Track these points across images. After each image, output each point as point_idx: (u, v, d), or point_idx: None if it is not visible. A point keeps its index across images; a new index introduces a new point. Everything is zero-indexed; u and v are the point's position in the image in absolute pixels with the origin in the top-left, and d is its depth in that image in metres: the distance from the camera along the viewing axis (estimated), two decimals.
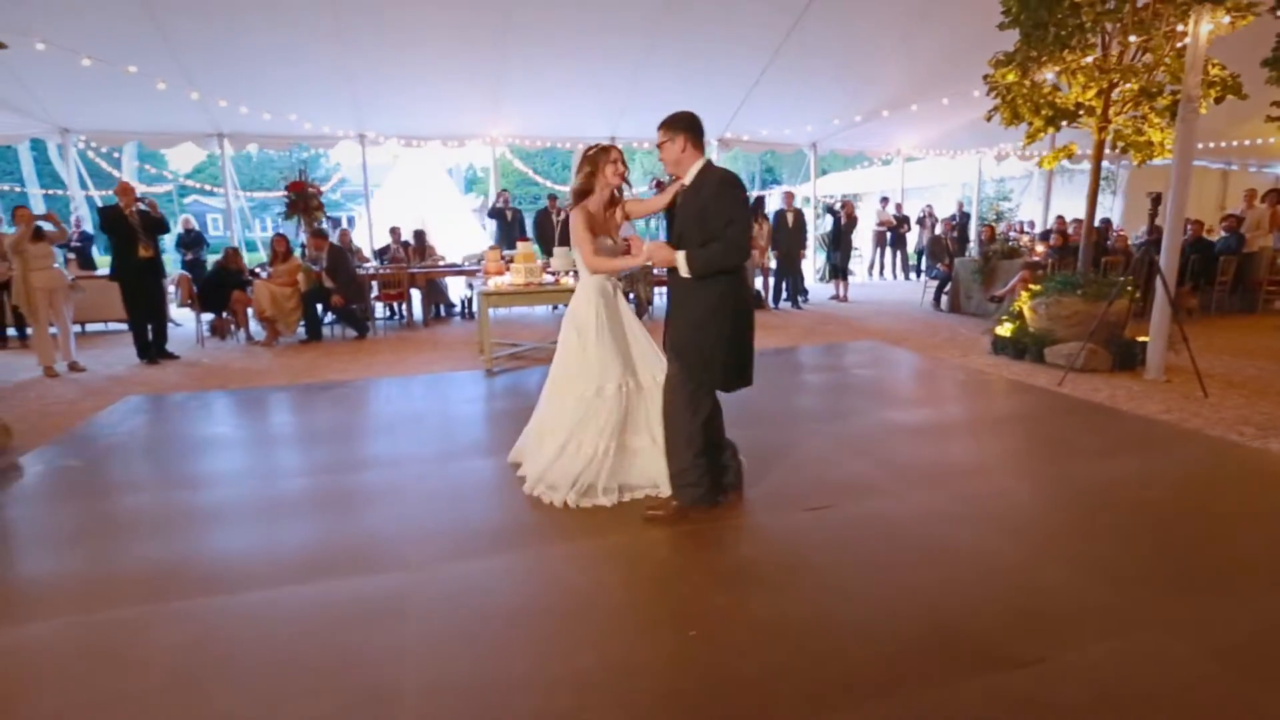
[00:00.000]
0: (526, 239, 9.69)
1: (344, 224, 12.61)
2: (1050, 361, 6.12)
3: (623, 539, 2.99)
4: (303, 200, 8.29)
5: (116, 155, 14.88)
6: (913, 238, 14.07)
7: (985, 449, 4.19)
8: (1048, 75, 5.85)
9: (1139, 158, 6.00)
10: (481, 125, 11.53)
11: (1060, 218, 10.07)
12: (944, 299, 9.64)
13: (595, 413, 3.31)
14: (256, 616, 2.43)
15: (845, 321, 8.89)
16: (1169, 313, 5.53)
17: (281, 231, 8.14)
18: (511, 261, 6.73)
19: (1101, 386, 5.46)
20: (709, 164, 3.00)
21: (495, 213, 10.26)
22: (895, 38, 10.47)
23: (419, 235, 9.49)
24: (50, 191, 17.78)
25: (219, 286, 7.80)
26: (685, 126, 2.97)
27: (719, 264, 2.90)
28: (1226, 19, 5.07)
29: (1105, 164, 14.01)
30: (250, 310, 7.89)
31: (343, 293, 7.75)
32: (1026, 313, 6.54)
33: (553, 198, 10.11)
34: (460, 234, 12.40)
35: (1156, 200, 5.28)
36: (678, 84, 11.28)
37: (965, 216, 12.64)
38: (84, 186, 11.09)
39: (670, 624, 2.36)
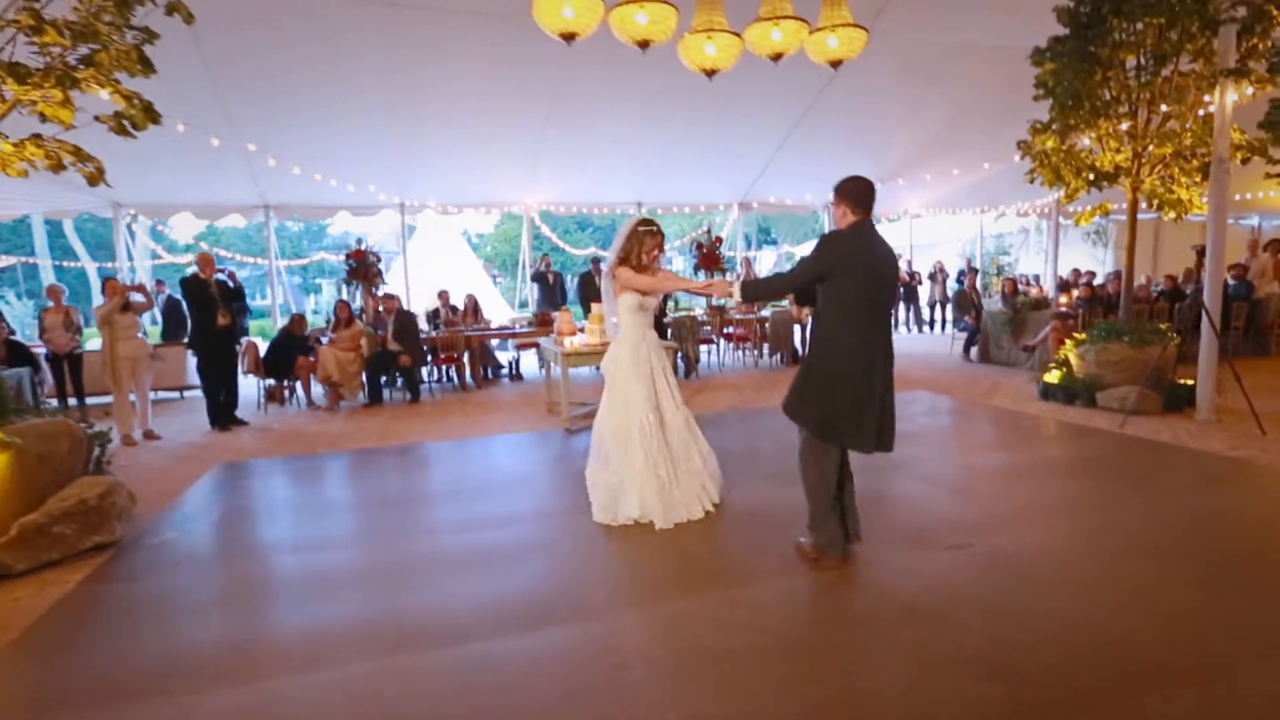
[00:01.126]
0: (561, 306, 10.06)
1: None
2: (1103, 405, 6.42)
3: (787, 582, 3.15)
4: (363, 268, 8.57)
5: (133, 226, 15.20)
6: (924, 291, 14.60)
7: (1077, 488, 4.42)
8: (1084, 141, 6.36)
9: (1172, 214, 6.47)
10: (517, 192, 12.03)
11: (1076, 270, 10.60)
12: (973, 350, 10.01)
13: (642, 443, 3.80)
14: (480, 667, 2.55)
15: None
16: (1216, 356, 5.88)
17: (344, 299, 8.39)
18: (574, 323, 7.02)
19: (1161, 428, 5.74)
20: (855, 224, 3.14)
21: (538, 276, 10.59)
22: (902, 111, 11.27)
23: (470, 299, 9.77)
24: (60, 263, 18.03)
25: (285, 352, 7.98)
26: (848, 195, 3.12)
27: (761, 291, 3.52)
28: (1250, 90, 5.61)
29: (1097, 219, 14.88)
30: (313, 375, 8.05)
31: (411, 354, 7.96)
32: (1073, 360, 6.88)
33: (596, 260, 10.48)
34: (481, 298, 12.77)
35: (1201, 253, 5.69)
36: (703, 155, 11.96)
37: (975, 271, 13.19)
38: (130, 258, 11.34)
39: (873, 658, 2.52)
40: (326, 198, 11.28)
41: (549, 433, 6.42)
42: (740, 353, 10.85)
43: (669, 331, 9.22)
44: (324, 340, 8.17)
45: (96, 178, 4.24)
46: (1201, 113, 6.14)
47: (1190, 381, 6.24)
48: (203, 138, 9.05)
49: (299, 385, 8.26)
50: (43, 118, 3.99)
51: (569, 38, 3.94)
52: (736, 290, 3.44)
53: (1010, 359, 9.35)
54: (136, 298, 6.46)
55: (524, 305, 14.16)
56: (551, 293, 10.57)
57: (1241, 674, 2.31)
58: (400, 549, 3.75)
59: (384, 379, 8.30)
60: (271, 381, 8.10)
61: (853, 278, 3.05)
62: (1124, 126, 6.13)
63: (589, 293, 10.19)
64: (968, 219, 15.54)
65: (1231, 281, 9.73)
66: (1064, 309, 8.74)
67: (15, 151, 3.89)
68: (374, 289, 8.69)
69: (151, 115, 4.03)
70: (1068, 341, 7.07)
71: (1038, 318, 8.98)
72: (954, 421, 6.43)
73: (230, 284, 7.01)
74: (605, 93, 9.79)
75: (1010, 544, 3.46)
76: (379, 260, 8.97)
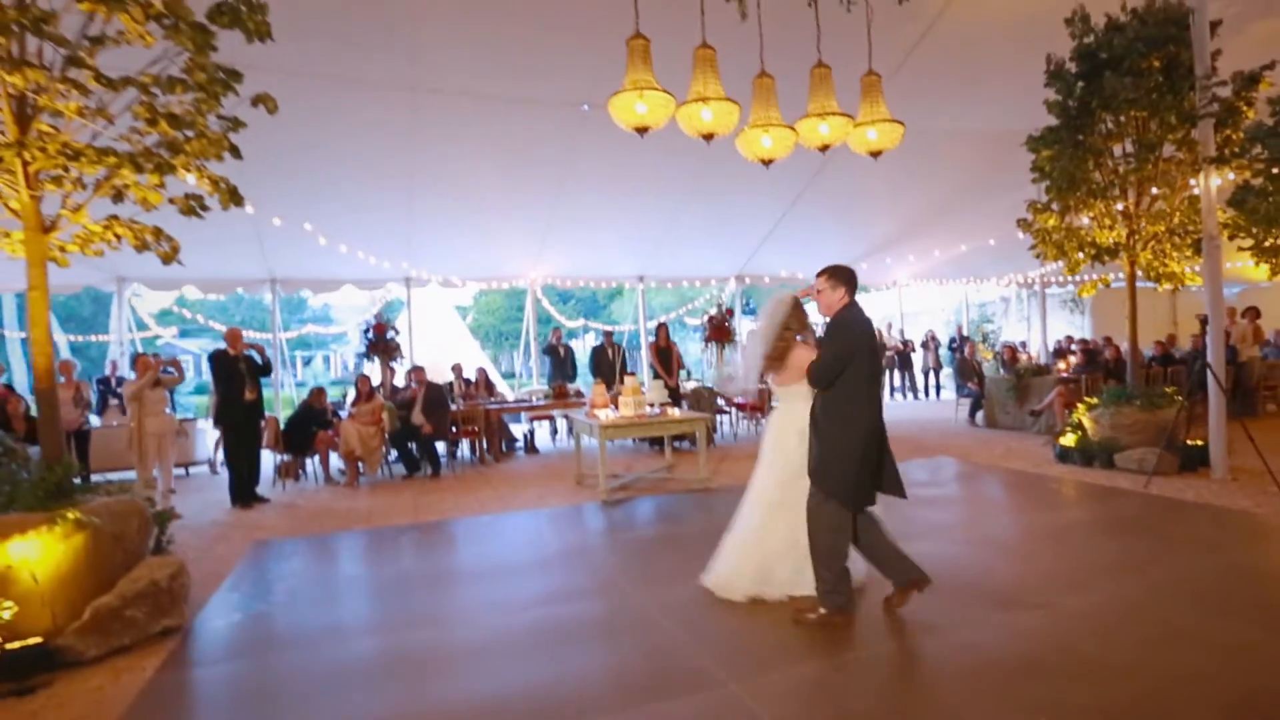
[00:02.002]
0: (573, 379, 10.20)
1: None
2: (1121, 466, 6.66)
3: (891, 646, 3.19)
4: (383, 342, 8.62)
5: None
6: (917, 359, 15.08)
7: (1125, 546, 4.54)
8: (1084, 219, 6.86)
9: (1168, 285, 6.94)
10: (522, 267, 12.31)
11: (1069, 337, 11.14)
12: (978, 415, 10.32)
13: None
14: None
15: (897, 440, 9.35)
16: (1225, 417, 6.21)
17: (364, 373, 8.38)
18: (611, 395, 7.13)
19: (1183, 487, 5.97)
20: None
21: (549, 349, 10.72)
22: (889, 192, 12.01)
23: (481, 372, 9.82)
24: (25, 335, 17.66)
25: (305, 426, 7.89)
26: (844, 280, 3.48)
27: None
28: (1232, 175, 6.17)
29: (1072, 287, 15.77)
30: (333, 451, 7.95)
31: (438, 426, 7.94)
32: (1087, 423, 7.16)
33: (609, 333, 10.68)
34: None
35: (1204, 321, 6.10)
36: (703, 231, 12.46)
37: (965, 339, 13.73)
38: (132, 329, 11.21)
39: (1016, 711, 2.56)
40: (332, 271, 11.40)
41: (585, 505, 6.40)
42: (751, 422, 10.99)
43: (684, 403, 9.36)
44: (343, 414, 8.11)
45: (171, 256, 4.31)
46: (1187, 194, 6.69)
47: (1200, 442, 6.55)
48: (215, 210, 9.18)
49: (316, 460, 8.13)
50: (117, 197, 4.10)
51: (642, 131, 4.22)
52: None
53: (1016, 423, 9.65)
54: (169, 372, 6.40)
55: (514, 377, 14.19)
56: (563, 365, 10.68)
57: None
58: (484, 625, 3.69)
59: (397, 453, 8.22)
60: (288, 456, 7.96)
61: (864, 355, 3.35)
62: (1119, 207, 6.65)
63: (602, 365, 10.36)
64: (953, 288, 16.25)
65: None
66: (1065, 374, 9.13)
67: (101, 232, 3.96)
68: (392, 362, 8.70)
69: (236, 198, 4.16)
70: (1080, 406, 7.37)
71: (1040, 383, 9.36)
72: (982, 485, 6.60)
73: (259, 359, 6.99)
74: (609, 172, 10.23)
75: (1085, 602, 3.56)
76: (398, 334, 9.02)
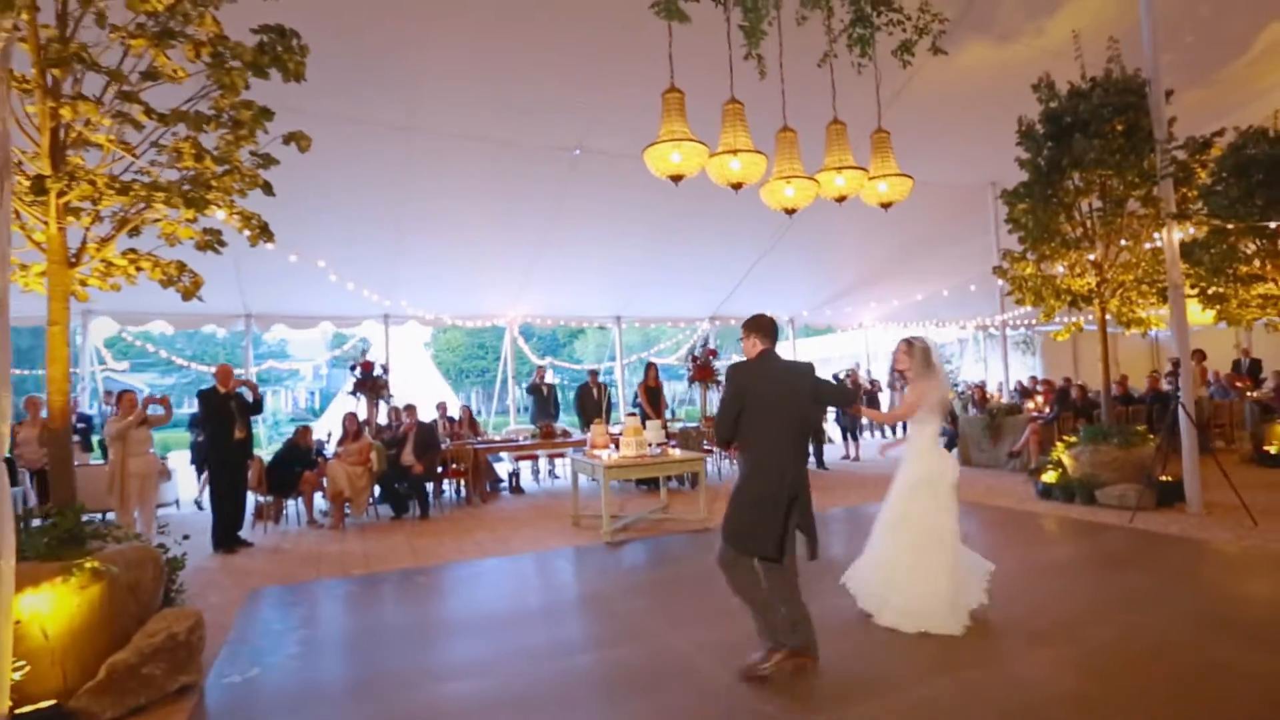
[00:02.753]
0: (555, 417, 10.17)
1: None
2: (1103, 503, 6.96)
3: (949, 683, 3.24)
4: (371, 380, 8.42)
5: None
6: (884, 398, 15.50)
7: (1129, 580, 4.72)
8: (1059, 268, 7.29)
9: (1136, 329, 7.40)
10: (504, 306, 12.27)
11: (1034, 378, 11.68)
12: (953, 453, 10.62)
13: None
14: None
15: (880, 479, 9.60)
16: (1197, 454, 6.59)
17: (353, 411, 8.15)
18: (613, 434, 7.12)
19: (1165, 522, 6.27)
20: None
21: (533, 388, 10.65)
22: (856, 240, 12.56)
23: (466, 410, 9.67)
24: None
25: (289, 466, 7.60)
26: (755, 328, 3.51)
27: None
28: (1192, 230, 6.68)
29: (1024, 329, 16.62)
30: (318, 492, 7.67)
31: (428, 466, 7.76)
32: (1067, 461, 7.48)
33: (594, 373, 10.66)
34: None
35: (1176, 364, 6.50)
36: (680, 275, 12.72)
37: None
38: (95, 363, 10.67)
39: None
40: (312, 308, 11.16)
41: (589, 546, 6.32)
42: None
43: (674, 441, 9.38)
44: (328, 454, 7.85)
45: (192, 291, 4.20)
46: (1151, 246, 7.19)
47: (1170, 478, 6.91)
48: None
49: (299, 501, 7.82)
50: (133, 231, 3.98)
51: (676, 179, 4.35)
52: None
53: (991, 461, 10.00)
54: (156, 410, 6.12)
55: (480, 415, 13.95)
56: (546, 404, 10.61)
57: None
58: (525, 674, 3.58)
59: (383, 494, 7.99)
60: (268, 498, 7.62)
61: (754, 403, 3.30)
62: (1091, 257, 7.10)
63: (587, 405, 10.33)
64: (914, 330, 16.91)
65: (1168, 388, 10.94)
66: (1037, 414, 9.54)
67: (126, 266, 3.84)
68: (379, 401, 8.51)
69: (267, 234, 4.09)
70: (1059, 444, 7.71)
71: (1013, 422, 9.74)
72: (974, 522, 6.78)
73: (249, 397, 6.75)
74: (594, 215, 10.41)
75: (1110, 635, 3.69)
76: (387, 371, 8.84)
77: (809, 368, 3.52)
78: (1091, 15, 7.78)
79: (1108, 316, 7.43)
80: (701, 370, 10.52)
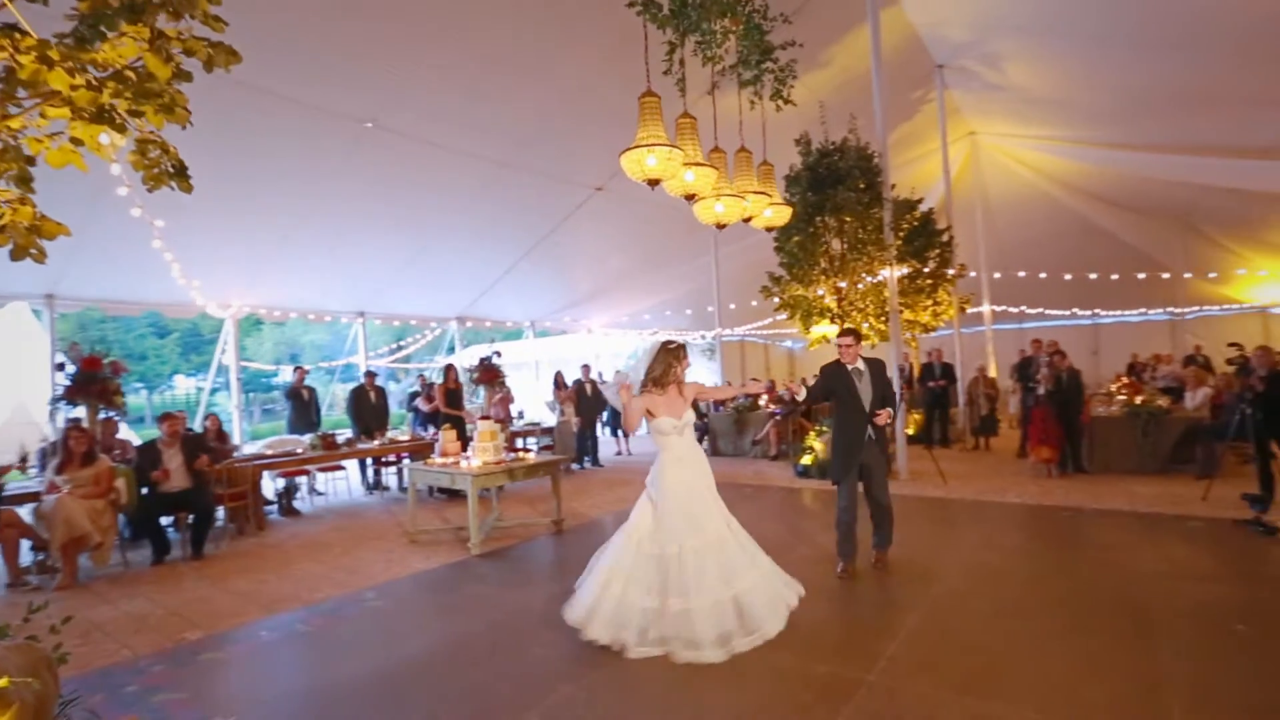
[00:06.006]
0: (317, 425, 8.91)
1: None
2: None
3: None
4: (98, 382, 6.16)
5: None
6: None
7: (914, 529, 6.31)
8: (820, 290, 9.09)
9: (868, 341, 9.60)
10: (220, 294, 9.96)
11: (755, 379, 13.99)
12: (703, 444, 12.17)
13: (652, 570, 3.84)
14: None
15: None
16: (905, 432, 8.91)
17: (81, 423, 5.86)
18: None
19: (893, 487, 8.33)
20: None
21: (292, 393, 8.96)
22: (590, 258, 13.67)
23: (214, 419, 7.73)
24: None
25: None
26: (858, 338, 4.75)
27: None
28: (905, 270, 9.00)
29: (788, 343, 19.90)
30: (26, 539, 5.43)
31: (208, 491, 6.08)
32: (818, 446, 9.33)
33: (370, 374, 9.37)
34: None
35: (900, 369, 8.67)
36: (429, 275, 12.21)
37: None
38: None
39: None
40: None
41: (463, 562, 5.82)
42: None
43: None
44: (44, 485, 5.63)
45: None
46: (876, 279, 9.42)
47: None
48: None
49: None
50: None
51: (653, 184, 4.40)
52: (802, 392, 4.51)
53: (736, 450, 11.78)
54: None
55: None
56: (307, 410, 9.04)
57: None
58: None
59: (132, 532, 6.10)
60: None
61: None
62: (843, 284, 9.04)
63: (364, 409, 9.21)
64: (632, 336, 18.78)
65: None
66: (773, 410, 11.55)
67: None
68: (116, 411, 6.28)
69: (181, 178, 3.00)
70: (811, 432, 9.56)
71: (754, 417, 11.65)
72: (771, 500, 8.05)
73: None
74: (343, 206, 9.34)
75: (951, 567, 4.99)
76: (117, 371, 6.50)
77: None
78: (833, 90, 9.83)
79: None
80: (488, 373, 10.18)
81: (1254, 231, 13.14)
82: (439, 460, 6.54)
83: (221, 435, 7.81)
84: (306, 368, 9.74)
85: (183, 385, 30.36)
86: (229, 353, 10.03)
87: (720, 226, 5.38)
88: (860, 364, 4.86)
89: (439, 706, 3.30)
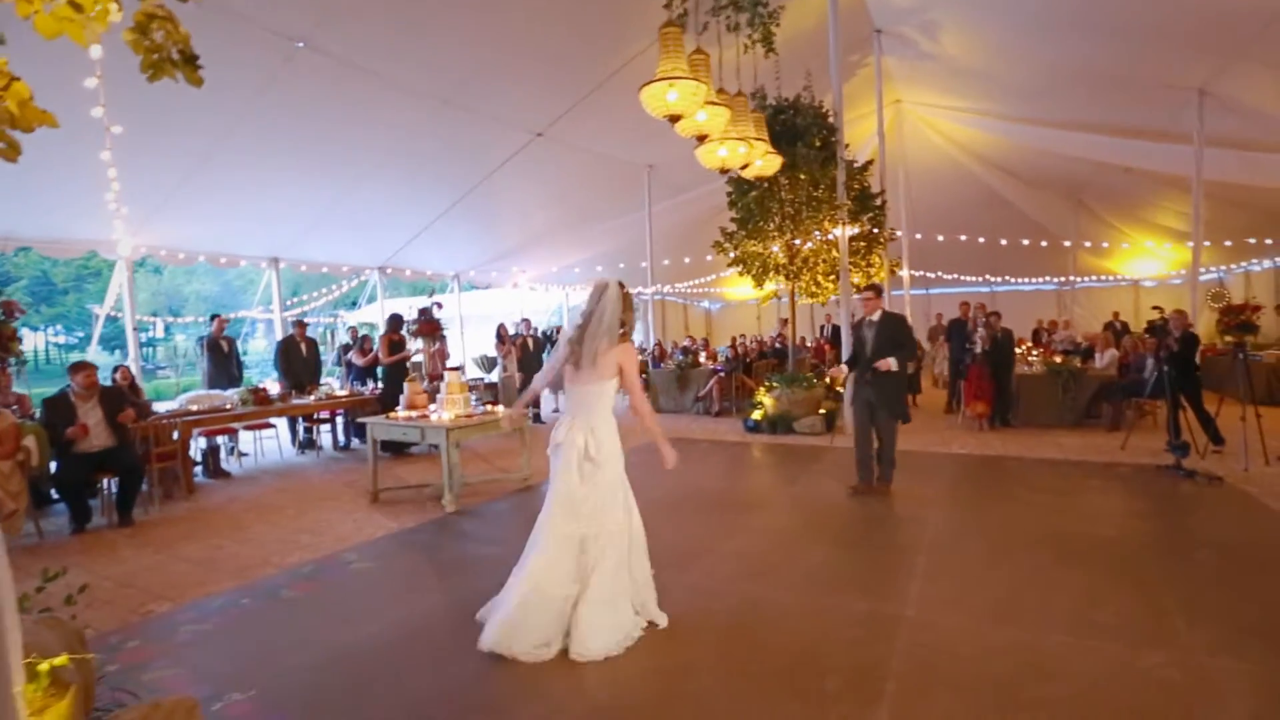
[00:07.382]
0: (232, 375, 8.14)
1: None
2: (800, 431, 9.17)
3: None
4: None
5: None
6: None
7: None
8: (774, 247, 9.16)
9: (817, 299, 9.80)
10: (109, 231, 8.73)
11: (692, 338, 14.05)
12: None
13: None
14: None
15: None
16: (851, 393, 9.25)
17: None
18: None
19: (840, 441, 8.68)
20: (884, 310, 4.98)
21: (211, 344, 8.05)
22: (523, 209, 13.21)
23: (125, 371, 6.83)
24: None
25: None
26: (879, 292, 4.95)
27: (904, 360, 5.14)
28: (855, 229, 9.24)
29: (705, 303, 19.81)
30: None
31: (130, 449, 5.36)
32: (768, 401, 9.54)
33: (300, 324, 8.55)
34: None
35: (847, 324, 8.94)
36: (349, 223, 11.33)
37: None
38: None
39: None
40: None
41: (441, 519, 5.52)
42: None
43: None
44: None
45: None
46: (831, 236, 9.61)
47: (824, 411, 9.55)
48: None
49: None
50: None
51: (674, 120, 4.16)
52: (894, 363, 5.15)
53: (677, 406, 11.85)
54: None
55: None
56: (227, 363, 8.17)
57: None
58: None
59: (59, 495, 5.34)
60: None
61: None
62: (797, 242, 9.16)
63: (294, 362, 8.48)
64: (556, 293, 18.38)
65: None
66: (717, 367, 11.67)
67: None
68: (9, 362, 5.34)
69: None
70: (761, 388, 9.75)
71: (696, 374, 11.73)
72: (723, 454, 8.14)
73: None
74: (261, 138, 8.38)
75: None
76: (21, 313, 5.49)
77: None
78: (780, 44, 9.76)
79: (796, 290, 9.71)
80: (427, 325, 9.60)
81: (1136, 210, 14.50)
82: (403, 414, 6.12)
83: (136, 389, 6.94)
84: (227, 317, 8.77)
85: (31, 341, 26.79)
86: (124, 300, 8.82)
87: (723, 171, 5.26)
88: (875, 316, 5.11)
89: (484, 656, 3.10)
